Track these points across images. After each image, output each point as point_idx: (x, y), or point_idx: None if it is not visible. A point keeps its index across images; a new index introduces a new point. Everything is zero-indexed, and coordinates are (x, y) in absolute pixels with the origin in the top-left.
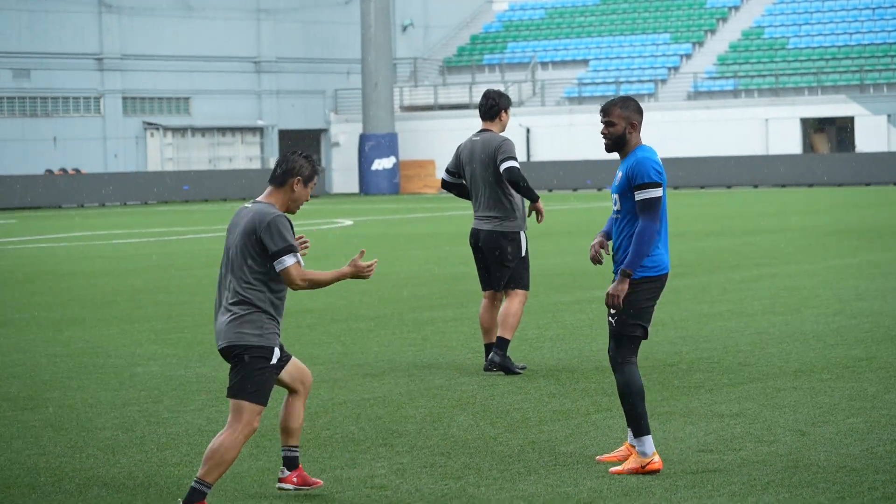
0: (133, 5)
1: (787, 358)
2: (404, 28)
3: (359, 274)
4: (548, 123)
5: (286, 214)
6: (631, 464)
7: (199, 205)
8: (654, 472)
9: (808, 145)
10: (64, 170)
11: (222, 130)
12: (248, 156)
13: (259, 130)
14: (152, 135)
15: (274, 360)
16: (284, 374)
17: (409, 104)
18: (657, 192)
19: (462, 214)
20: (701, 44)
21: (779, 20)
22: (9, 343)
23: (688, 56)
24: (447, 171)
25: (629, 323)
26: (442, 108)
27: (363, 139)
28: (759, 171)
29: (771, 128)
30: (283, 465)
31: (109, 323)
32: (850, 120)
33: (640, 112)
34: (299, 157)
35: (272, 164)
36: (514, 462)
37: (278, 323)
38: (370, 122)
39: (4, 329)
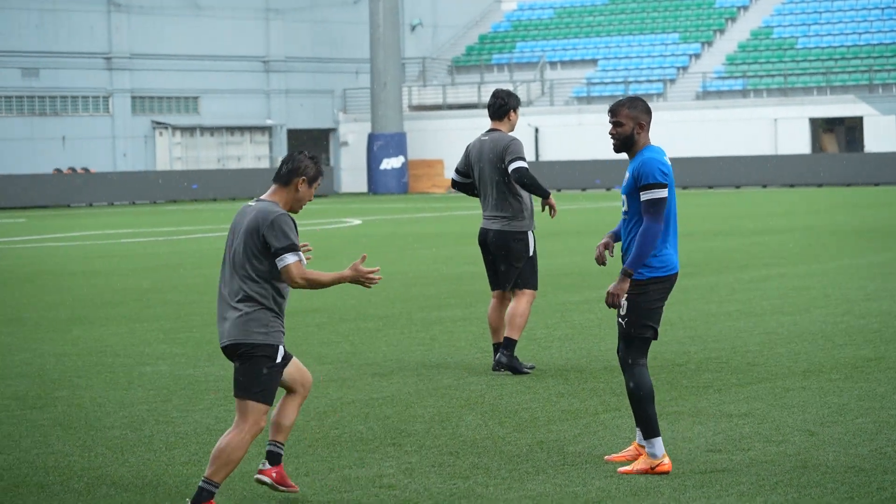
0: (142, 4)
1: (796, 358)
2: (413, 28)
3: (358, 279)
4: (556, 123)
5: (290, 214)
6: (640, 465)
7: (207, 204)
8: (664, 473)
9: (816, 145)
10: (72, 169)
11: (231, 130)
12: (256, 155)
13: (268, 130)
14: (161, 134)
15: (279, 359)
16: (285, 375)
17: (417, 104)
18: (662, 193)
19: (470, 214)
20: (710, 43)
21: (788, 20)
22: (17, 342)
23: (697, 56)
24: (457, 171)
25: (639, 324)
26: (450, 107)
27: (372, 139)
28: (768, 171)
29: (780, 128)
30: (266, 459)
31: (118, 322)
32: (859, 120)
33: (648, 112)
34: (305, 156)
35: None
36: (523, 462)
37: (282, 321)
38: (379, 122)
39: (13, 328)
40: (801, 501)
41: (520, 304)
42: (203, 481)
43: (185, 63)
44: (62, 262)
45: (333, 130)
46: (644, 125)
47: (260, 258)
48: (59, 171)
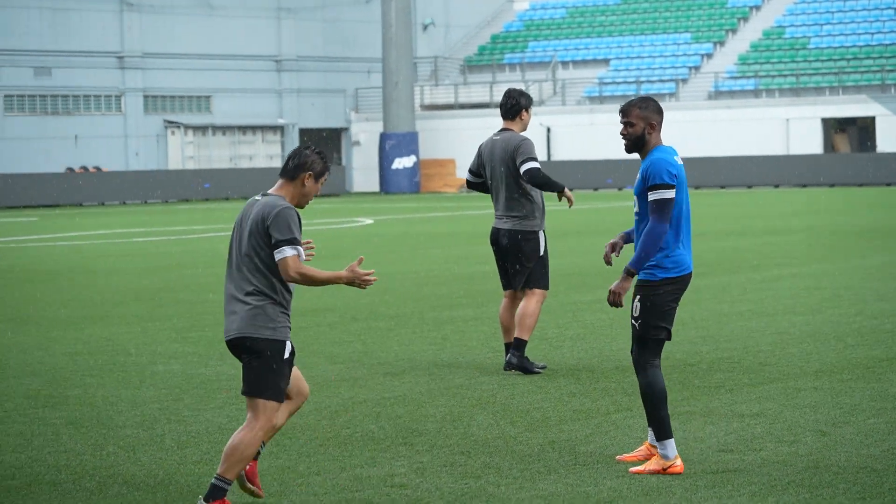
0: (154, 4)
1: (808, 358)
2: (425, 27)
3: (354, 280)
4: (568, 123)
5: (296, 209)
6: (652, 465)
7: (219, 203)
8: (675, 475)
9: (829, 145)
10: (85, 168)
11: (243, 129)
12: (268, 154)
13: (280, 129)
14: (173, 133)
15: (287, 355)
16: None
17: (429, 103)
18: (668, 194)
19: (482, 214)
20: (722, 43)
21: (800, 20)
22: (30, 341)
23: (709, 56)
24: (470, 171)
25: (652, 325)
26: (462, 107)
27: (383, 138)
28: (780, 171)
29: (792, 128)
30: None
31: (130, 321)
32: (872, 120)
33: (659, 112)
34: (311, 152)
35: None
36: (534, 461)
37: (289, 316)
38: (391, 121)
39: (26, 327)
40: (813, 502)
41: (530, 303)
42: (215, 478)
43: (197, 62)
44: (74, 261)
45: (345, 130)
46: (655, 125)
47: (266, 250)
48: (71, 170)
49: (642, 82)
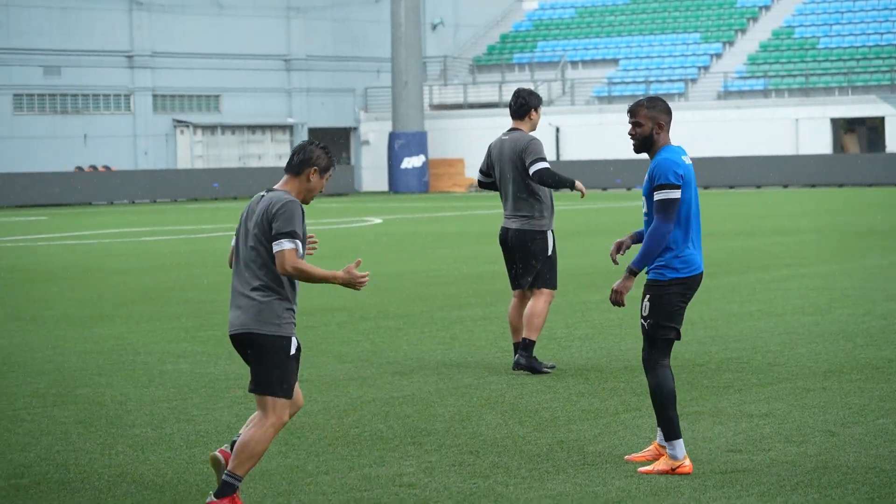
0: (164, 3)
1: (817, 358)
2: (434, 27)
3: (350, 282)
4: (577, 123)
5: (301, 203)
6: (661, 465)
7: (228, 202)
8: (684, 475)
9: (838, 145)
10: (94, 167)
11: (252, 128)
12: (277, 153)
13: (289, 128)
14: (182, 132)
15: (293, 351)
16: None
17: (438, 103)
18: (673, 194)
19: (491, 213)
20: (731, 43)
21: (809, 20)
22: (39, 340)
23: (718, 56)
24: (480, 171)
25: (661, 325)
26: (471, 106)
27: (393, 137)
28: (789, 171)
29: (801, 128)
30: (231, 447)
31: (139, 320)
32: (881, 120)
33: (667, 112)
34: (316, 147)
35: None
36: (543, 461)
37: (294, 312)
38: (400, 121)
39: (35, 325)
40: (822, 502)
41: (538, 303)
42: (226, 474)
43: (207, 61)
44: (83, 260)
45: (354, 129)
46: (663, 125)
47: (271, 245)
48: (80, 169)
49: (651, 82)
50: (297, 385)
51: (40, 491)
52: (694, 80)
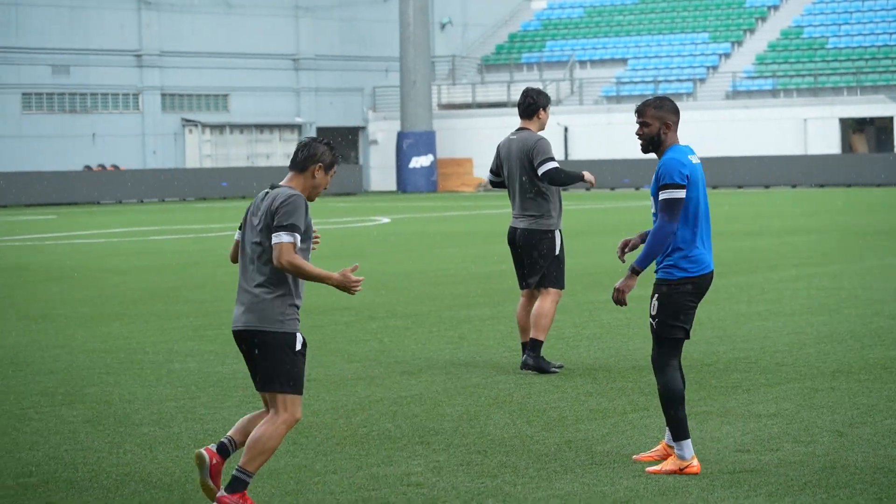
0: (172, 2)
1: (825, 358)
2: (443, 26)
3: (345, 284)
4: (586, 122)
5: (306, 199)
6: (669, 465)
7: (236, 202)
8: (692, 475)
9: (846, 145)
10: (102, 166)
11: (260, 127)
12: (285, 153)
13: (297, 128)
14: (191, 131)
15: (298, 346)
16: (267, 396)
17: (447, 102)
18: (678, 194)
19: (499, 213)
20: (740, 43)
21: (818, 20)
22: (47, 338)
23: (726, 55)
24: (491, 170)
25: (669, 325)
26: (480, 106)
27: (401, 137)
28: (798, 171)
29: (809, 128)
30: (217, 448)
31: (147, 319)
32: (890, 120)
33: (675, 112)
34: (320, 143)
35: None
36: (551, 461)
37: (298, 309)
38: (408, 120)
39: (43, 324)
40: (830, 502)
41: (545, 303)
42: (237, 470)
43: (215, 61)
44: (91, 258)
45: (363, 128)
46: (671, 125)
47: None
48: (88, 168)
49: (660, 82)
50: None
51: (48, 490)
52: (702, 80)
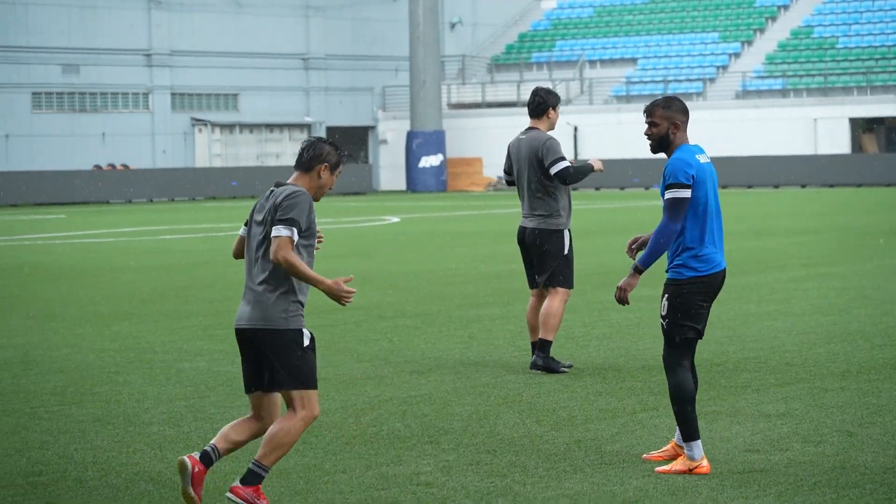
0: (182, 1)
1: (835, 358)
2: (452, 26)
3: (336, 292)
4: (595, 122)
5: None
6: (679, 465)
7: (246, 201)
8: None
9: (856, 145)
10: (112, 165)
11: (270, 127)
12: (295, 152)
13: (307, 127)
14: (200, 131)
15: (306, 342)
16: (262, 399)
17: (456, 102)
18: (682, 194)
19: (509, 212)
20: (750, 43)
21: (828, 19)
22: (57, 338)
23: (736, 55)
24: (504, 171)
25: (679, 325)
26: (490, 105)
27: (410, 136)
28: (808, 170)
29: (819, 127)
30: (201, 456)
31: (157, 318)
32: None
33: (684, 112)
34: (326, 143)
35: None
36: (560, 460)
37: (302, 306)
38: (418, 120)
39: (53, 323)
40: (840, 502)
41: (553, 303)
42: (253, 463)
43: (225, 60)
44: (101, 258)
45: (372, 128)
46: (679, 125)
47: None
48: (98, 167)
49: (670, 81)
50: (278, 404)
51: (58, 489)
52: (712, 80)
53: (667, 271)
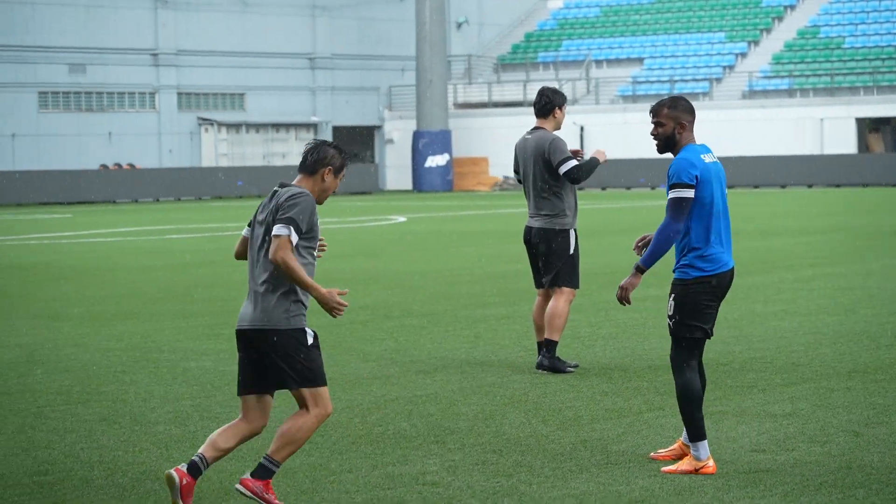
0: (189, 1)
1: (841, 358)
2: (459, 25)
3: (328, 302)
4: (602, 122)
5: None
6: (685, 465)
7: (252, 200)
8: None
9: (863, 145)
10: (118, 165)
11: (276, 126)
12: (301, 152)
13: (313, 126)
14: (207, 130)
15: (310, 341)
16: (249, 402)
17: (462, 101)
18: (684, 193)
19: (515, 212)
20: (756, 43)
21: (835, 19)
22: (63, 337)
23: (743, 55)
24: (514, 171)
25: (685, 325)
26: (496, 105)
27: (417, 136)
28: (814, 170)
29: (826, 127)
30: (188, 467)
31: (163, 318)
32: None
33: (689, 112)
34: (330, 146)
35: None
36: (566, 460)
37: (304, 304)
38: (424, 119)
39: (59, 323)
40: (846, 502)
41: (558, 303)
42: (264, 458)
43: (232, 60)
44: (107, 257)
45: (379, 128)
46: (685, 125)
47: None
48: (105, 166)
49: (676, 81)
50: (267, 407)
51: (64, 488)
52: (719, 80)
53: (674, 271)
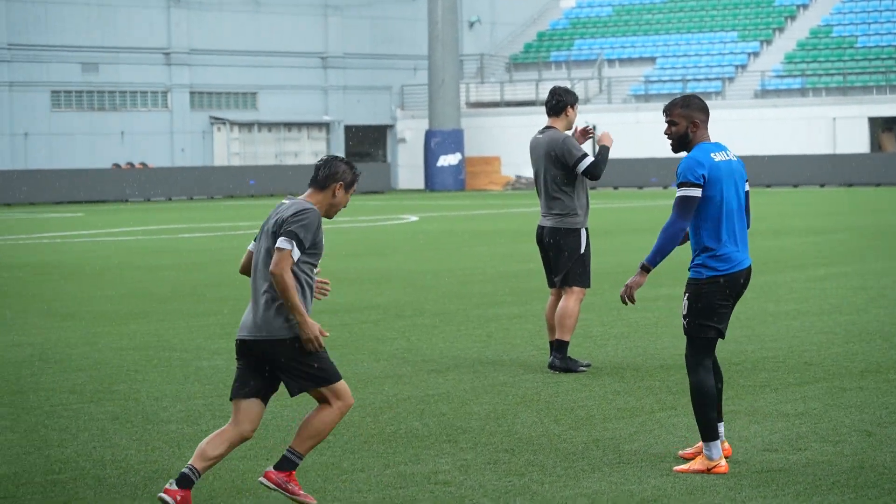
0: (202, 0)
1: (853, 358)
2: (471, 24)
3: (308, 332)
4: (614, 121)
5: (321, 216)
6: (697, 465)
7: (264, 199)
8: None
9: (875, 144)
10: (131, 164)
11: (288, 125)
12: (314, 151)
13: (325, 126)
14: (219, 129)
15: None
16: (241, 406)
17: (475, 100)
18: (690, 192)
19: (527, 212)
20: (769, 42)
21: (847, 19)
22: (76, 336)
23: (755, 54)
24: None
25: (698, 324)
26: (508, 104)
27: (429, 135)
28: (826, 170)
29: (838, 127)
30: (175, 479)
31: (175, 316)
32: None
33: (703, 110)
34: (341, 162)
35: None
36: (578, 459)
37: (307, 310)
38: (436, 119)
39: (72, 322)
40: (858, 502)
41: (569, 303)
42: (287, 450)
43: (244, 59)
44: (120, 256)
45: (391, 127)
46: (699, 123)
47: None
48: (117, 165)
49: (688, 81)
50: (259, 412)
51: (77, 486)
52: (731, 79)
53: (689, 270)
